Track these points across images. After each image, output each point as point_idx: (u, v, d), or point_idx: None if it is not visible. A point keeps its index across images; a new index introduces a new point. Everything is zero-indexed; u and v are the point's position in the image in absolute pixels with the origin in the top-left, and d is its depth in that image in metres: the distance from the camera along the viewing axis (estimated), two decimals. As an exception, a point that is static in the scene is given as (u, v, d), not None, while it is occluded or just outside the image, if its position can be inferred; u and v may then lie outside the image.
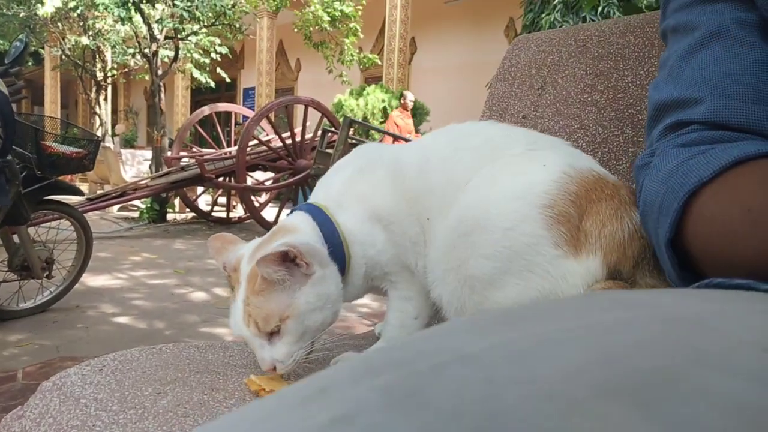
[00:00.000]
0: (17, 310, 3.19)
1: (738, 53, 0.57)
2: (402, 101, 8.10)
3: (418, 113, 8.97)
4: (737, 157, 0.50)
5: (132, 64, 12.19)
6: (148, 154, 8.64)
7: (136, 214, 7.54)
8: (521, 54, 1.35)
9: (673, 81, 0.63)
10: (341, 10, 9.05)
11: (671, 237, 0.54)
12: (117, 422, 0.65)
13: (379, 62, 9.87)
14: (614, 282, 0.64)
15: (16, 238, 3.05)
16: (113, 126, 13.26)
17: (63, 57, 12.63)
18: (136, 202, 7.43)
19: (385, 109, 8.74)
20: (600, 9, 5.83)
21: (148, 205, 7.06)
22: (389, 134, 6.01)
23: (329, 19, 9.01)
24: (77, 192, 3.47)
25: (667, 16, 0.69)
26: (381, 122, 8.49)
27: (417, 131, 8.84)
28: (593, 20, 5.95)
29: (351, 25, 9.33)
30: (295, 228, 0.83)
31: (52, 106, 16.25)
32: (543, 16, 6.02)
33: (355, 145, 6.17)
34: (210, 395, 0.73)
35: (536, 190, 0.66)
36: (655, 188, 0.58)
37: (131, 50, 11.18)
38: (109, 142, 9.29)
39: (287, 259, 0.75)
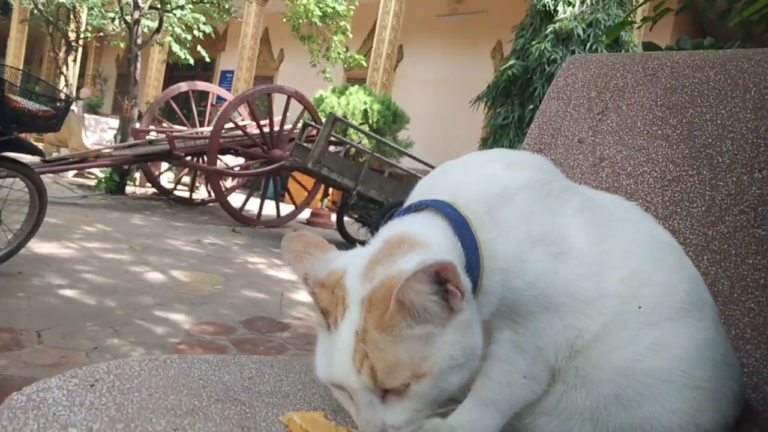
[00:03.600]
0: (-48, 270, 2.86)
1: None
2: None
3: (398, 120, 8.89)
4: None
5: (110, 29, 11.60)
6: (114, 122, 8.17)
7: (93, 183, 7.08)
8: (578, 74, 1.25)
9: None
10: (333, 8, 8.87)
11: None
12: (125, 470, 0.49)
13: (365, 64, 9.75)
14: None
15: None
16: (78, 89, 12.54)
17: (35, 11, 11.88)
18: (95, 171, 6.99)
19: (366, 111, 8.60)
20: (588, 45, 5.93)
21: (108, 175, 6.64)
22: (371, 135, 5.86)
23: (320, 14, 8.82)
24: (38, 152, 3.16)
25: None
26: (361, 123, 8.34)
27: (394, 138, 8.77)
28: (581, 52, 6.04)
29: (341, 23, 9.17)
30: (426, 241, 0.61)
31: (14, 60, 15.27)
32: (534, 44, 6.07)
33: (335, 143, 6.05)
34: (241, 437, 0.57)
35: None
36: None
37: (111, 14, 10.64)
38: (72, 105, 8.77)
39: (435, 290, 0.55)
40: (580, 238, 0.70)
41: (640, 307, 0.68)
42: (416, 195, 0.74)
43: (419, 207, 0.69)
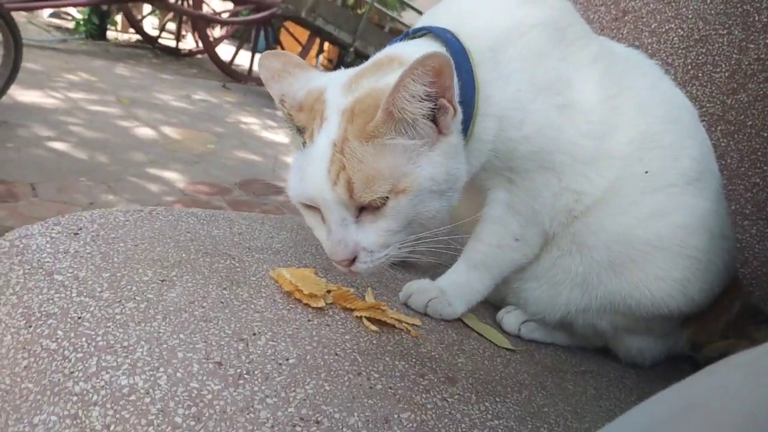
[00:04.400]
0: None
1: None
2: None
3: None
4: None
5: None
6: (86, -46, 7.37)
7: (71, 25, 6.60)
8: None
9: None
10: None
11: None
12: (113, 318, 0.48)
13: None
14: None
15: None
16: None
17: None
18: (71, 11, 6.47)
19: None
20: None
21: (86, 17, 6.16)
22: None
23: None
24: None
25: None
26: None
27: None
28: None
29: None
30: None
31: None
32: None
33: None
34: (230, 290, 0.57)
35: None
36: None
37: None
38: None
39: (428, 96, 0.51)
40: (591, 91, 0.64)
41: (647, 172, 0.64)
42: (418, 23, 0.67)
43: (417, 33, 0.63)
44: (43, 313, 0.49)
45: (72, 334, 0.47)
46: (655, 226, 0.65)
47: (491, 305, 0.77)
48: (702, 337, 0.73)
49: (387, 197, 0.52)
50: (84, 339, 0.46)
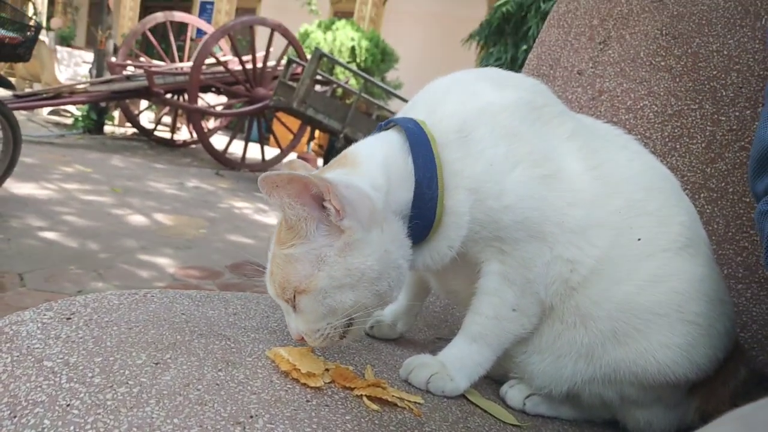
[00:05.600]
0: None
1: None
2: None
3: (387, 59, 8.61)
4: None
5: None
6: (88, 56, 7.77)
7: (69, 121, 6.83)
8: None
9: None
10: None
11: None
12: (103, 404, 0.46)
13: (353, -3, 9.33)
14: None
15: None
16: (49, 19, 11.83)
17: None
18: (71, 108, 6.72)
19: (353, 48, 8.30)
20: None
21: (85, 113, 6.39)
22: (359, 74, 5.67)
23: (305, -60, 8.33)
24: (8, 85, 3.00)
25: None
26: (348, 62, 8.07)
27: (383, 79, 8.51)
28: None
29: (328, -48, 8.68)
30: (360, 160, 0.62)
31: (-26, -17, 14.31)
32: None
33: (321, 82, 5.86)
34: (226, 372, 0.55)
35: None
36: None
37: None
38: (43, 36, 8.30)
39: (317, 199, 0.56)
40: (573, 163, 0.66)
41: (639, 239, 0.65)
42: (401, 111, 0.72)
43: (388, 125, 0.68)
44: (30, 401, 0.47)
45: (59, 423, 0.44)
46: (654, 292, 0.65)
47: (494, 380, 0.75)
48: (711, 406, 0.71)
49: (294, 296, 0.59)
50: (72, 428, 0.44)
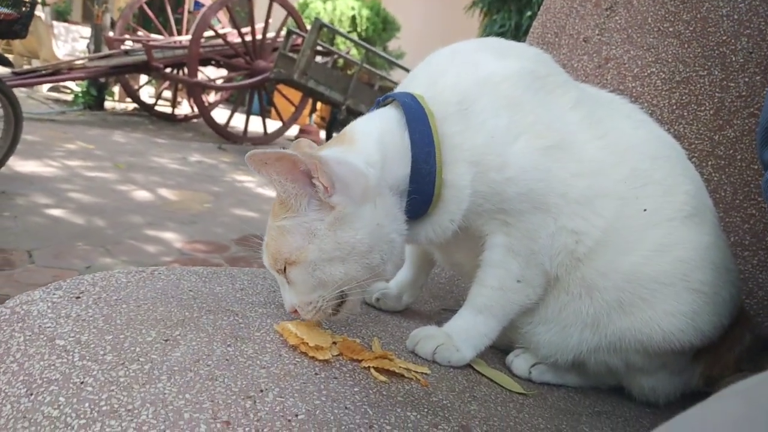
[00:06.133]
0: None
1: None
2: None
3: (389, 28, 8.45)
4: None
5: None
6: (85, 31, 7.66)
7: (69, 98, 6.78)
8: (587, -36, 1.14)
9: None
10: None
11: None
12: (116, 381, 0.47)
13: (352, -35, 9.09)
14: None
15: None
16: (43, -7, 11.62)
17: None
18: (71, 85, 6.66)
19: (354, 18, 8.15)
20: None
21: (84, 89, 6.34)
22: (360, 44, 5.57)
23: None
24: (6, 62, 2.97)
25: None
26: (349, 31, 7.93)
27: (384, 48, 8.37)
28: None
29: None
30: (357, 137, 0.63)
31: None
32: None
33: (322, 53, 5.77)
34: (235, 347, 0.56)
35: None
36: None
37: None
38: (39, 11, 8.17)
39: (307, 175, 0.57)
40: (576, 132, 0.66)
41: (645, 210, 0.65)
42: (402, 83, 0.71)
43: (386, 101, 0.68)
44: (45, 379, 0.48)
45: (74, 400, 0.45)
46: (659, 262, 0.65)
47: (499, 350, 0.76)
48: (716, 372, 0.71)
49: (286, 268, 0.60)
50: (87, 404, 0.45)
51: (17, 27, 2.64)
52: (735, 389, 0.24)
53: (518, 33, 5.73)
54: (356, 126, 0.65)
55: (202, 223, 3.16)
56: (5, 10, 2.54)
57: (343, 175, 0.58)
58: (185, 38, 6.09)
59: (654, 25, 1.02)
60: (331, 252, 0.58)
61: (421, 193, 0.62)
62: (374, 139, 0.62)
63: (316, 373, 0.55)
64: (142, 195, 3.56)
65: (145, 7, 6.41)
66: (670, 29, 1.00)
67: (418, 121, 0.62)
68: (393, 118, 0.64)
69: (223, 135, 5.81)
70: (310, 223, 0.58)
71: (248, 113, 6.03)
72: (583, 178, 0.65)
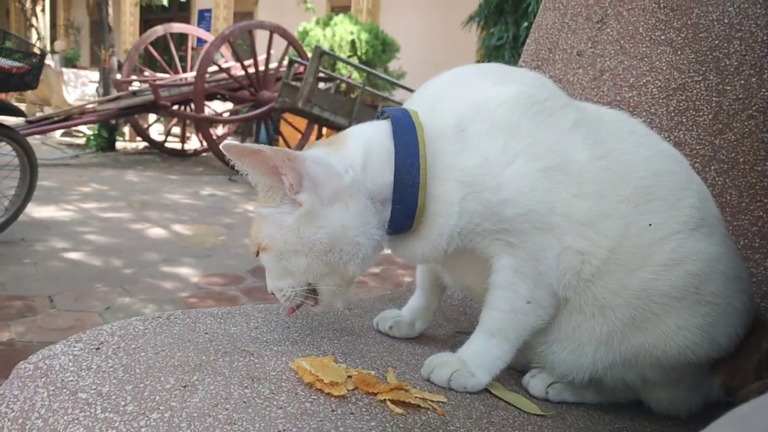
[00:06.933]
0: (-47, 243, 2.86)
1: None
2: None
3: (388, 49, 8.56)
4: None
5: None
6: (93, 75, 7.89)
7: (81, 141, 6.95)
8: (574, -20, 1.17)
9: None
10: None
11: None
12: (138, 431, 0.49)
13: (348, -10, 9.27)
14: None
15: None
16: (52, 42, 11.98)
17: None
18: (82, 128, 6.83)
19: (353, 42, 8.27)
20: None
21: (96, 132, 6.50)
22: (361, 68, 5.66)
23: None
24: (18, 112, 3.06)
25: None
26: (349, 56, 8.04)
27: (385, 69, 8.47)
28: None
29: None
30: (346, 143, 0.67)
31: (-23, 14, 14.53)
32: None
33: (324, 79, 5.86)
34: (252, 388, 0.57)
35: None
36: None
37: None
38: (48, 60, 8.43)
39: (278, 171, 0.62)
40: (578, 153, 0.66)
41: (650, 225, 0.65)
42: (405, 103, 0.74)
43: (382, 115, 0.71)
44: (69, 433, 0.49)
45: (99, 453, 0.47)
46: (670, 276, 0.65)
47: (515, 372, 0.76)
48: (736, 381, 0.71)
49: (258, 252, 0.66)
50: (111, 456, 0.46)
51: (29, 78, 2.73)
52: (733, 416, 0.25)
53: (516, 44, 5.76)
54: (349, 131, 0.70)
55: (217, 256, 3.19)
56: (17, 64, 2.63)
57: (316, 175, 0.62)
58: (190, 75, 6.24)
59: (646, 35, 1.03)
60: (294, 245, 0.63)
61: (403, 203, 0.64)
62: (361, 144, 0.66)
63: (332, 410, 0.55)
64: (156, 232, 3.61)
65: (150, 47, 6.59)
66: (662, 37, 1.01)
67: (404, 133, 0.65)
68: (383, 128, 0.68)
69: (233, 167, 5.89)
70: (281, 215, 0.64)
71: (256, 143, 6.11)
72: (585, 200, 0.65)
